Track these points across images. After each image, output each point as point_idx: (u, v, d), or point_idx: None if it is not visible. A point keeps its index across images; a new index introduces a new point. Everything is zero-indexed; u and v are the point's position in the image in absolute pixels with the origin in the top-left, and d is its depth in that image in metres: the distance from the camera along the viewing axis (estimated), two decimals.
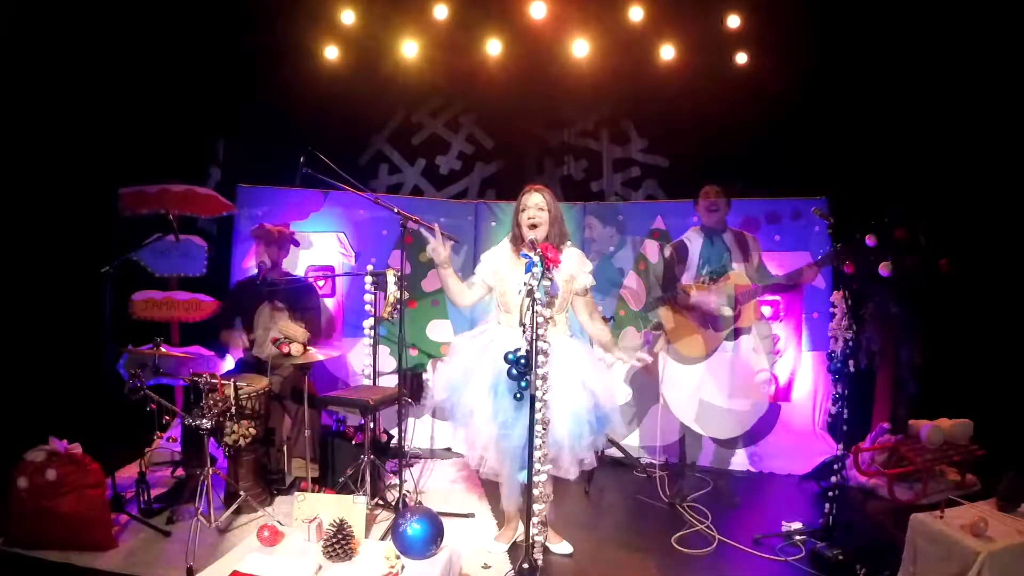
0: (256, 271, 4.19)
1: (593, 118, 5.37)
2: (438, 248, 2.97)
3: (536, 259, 2.45)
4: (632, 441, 4.67)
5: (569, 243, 3.09)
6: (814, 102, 4.69)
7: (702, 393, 3.68)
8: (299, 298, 4.13)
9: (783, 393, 4.69)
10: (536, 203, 2.97)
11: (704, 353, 3.72)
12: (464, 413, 2.94)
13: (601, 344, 3.20)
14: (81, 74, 4.17)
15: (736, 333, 3.69)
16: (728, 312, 3.58)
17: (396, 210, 3.30)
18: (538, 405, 2.47)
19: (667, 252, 3.89)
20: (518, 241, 3.02)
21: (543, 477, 2.58)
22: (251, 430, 3.37)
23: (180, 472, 3.77)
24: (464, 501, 3.83)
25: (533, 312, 2.42)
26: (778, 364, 4.70)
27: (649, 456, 4.60)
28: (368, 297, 4.12)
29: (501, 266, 3.04)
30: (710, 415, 3.72)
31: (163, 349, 3.45)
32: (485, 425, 2.87)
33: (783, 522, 3.36)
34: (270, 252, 4.12)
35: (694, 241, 3.89)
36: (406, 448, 3.68)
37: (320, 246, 4.86)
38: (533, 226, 2.93)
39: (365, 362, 4.25)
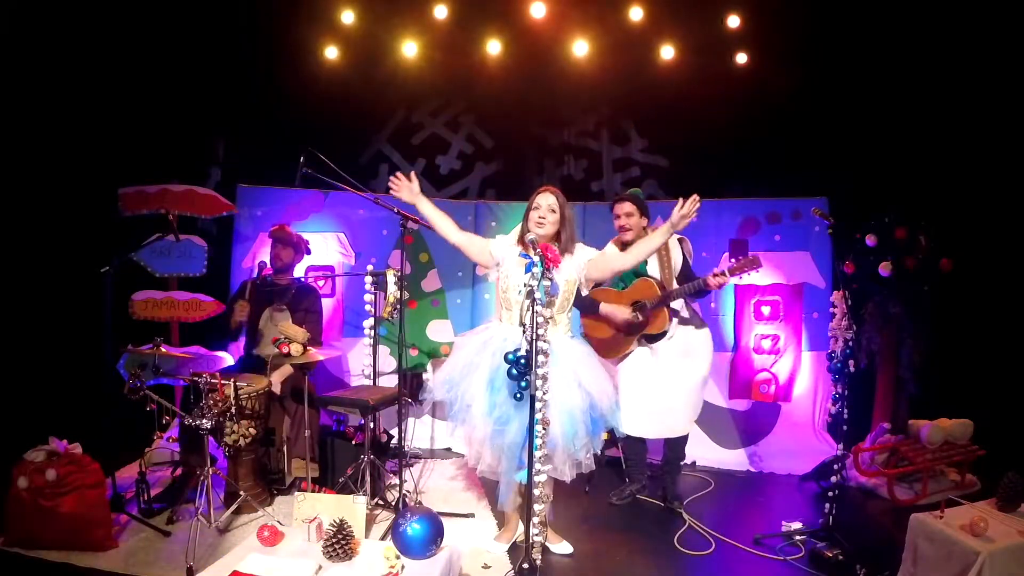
0: (257, 271, 4.18)
1: (593, 118, 5.37)
2: (403, 191, 2.98)
3: (536, 259, 2.45)
4: None
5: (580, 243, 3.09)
6: (814, 102, 4.70)
7: (636, 396, 3.59)
8: (301, 300, 4.13)
9: (783, 393, 4.70)
10: (548, 204, 2.96)
11: (616, 356, 3.67)
12: (461, 407, 2.93)
13: (645, 253, 3.02)
14: (81, 74, 4.17)
15: (651, 339, 3.62)
16: (639, 318, 3.53)
17: (396, 210, 3.30)
18: (538, 405, 2.47)
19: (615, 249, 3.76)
20: (523, 239, 3.01)
21: (543, 477, 2.58)
22: (251, 430, 3.38)
23: (180, 472, 3.77)
24: (464, 501, 3.83)
25: (533, 312, 2.42)
26: (778, 364, 4.71)
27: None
28: (368, 297, 4.12)
29: (508, 257, 3.03)
30: (650, 415, 3.62)
31: (163, 349, 3.45)
32: (481, 420, 2.86)
33: (783, 522, 3.36)
34: (285, 254, 4.13)
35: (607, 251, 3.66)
36: (406, 448, 3.68)
37: (320, 246, 4.86)
38: (543, 226, 2.93)
39: (365, 362, 4.25)
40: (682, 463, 3.90)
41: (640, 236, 3.57)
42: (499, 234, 4.72)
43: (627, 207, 3.59)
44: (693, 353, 3.67)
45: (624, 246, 3.61)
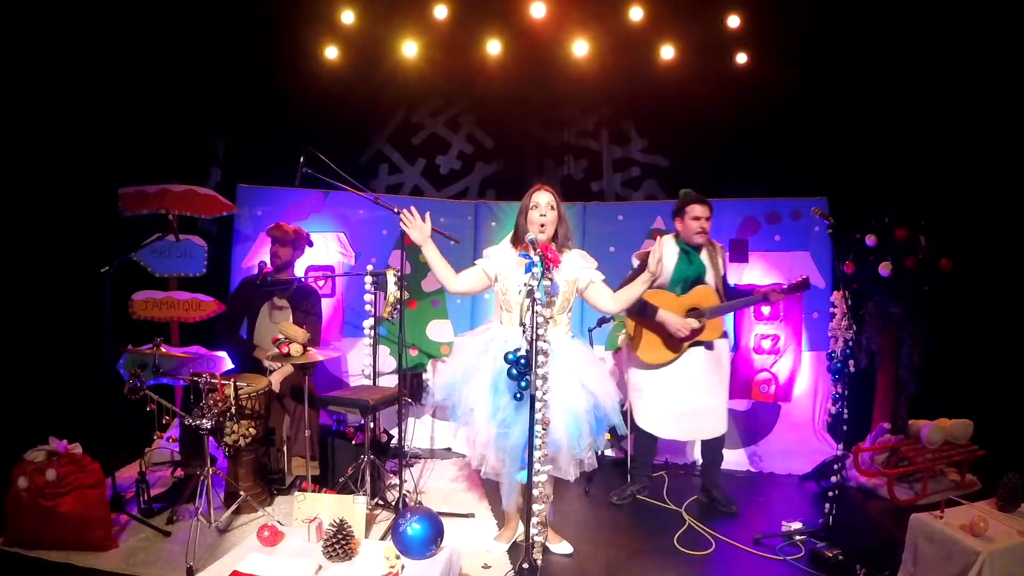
0: (257, 270, 4.19)
1: (593, 118, 5.37)
2: (412, 228, 2.92)
3: (536, 259, 2.45)
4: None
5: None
6: (814, 102, 4.70)
7: (671, 398, 3.58)
8: (302, 300, 4.11)
9: (783, 393, 4.70)
10: (547, 202, 2.96)
11: (665, 360, 3.62)
12: (464, 411, 2.93)
13: (629, 301, 3.01)
14: (82, 74, 4.17)
15: (697, 344, 3.60)
16: (695, 325, 3.53)
17: (396, 210, 3.30)
18: (538, 405, 2.47)
19: (636, 264, 3.64)
20: (520, 240, 3.01)
21: (543, 477, 2.58)
22: (251, 430, 3.38)
23: (180, 472, 3.77)
24: (464, 501, 3.83)
25: (533, 312, 2.42)
26: (778, 364, 4.71)
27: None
28: (368, 297, 4.12)
29: (504, 263, 3.03)
30: (682, 418, 3.61)
31: (163, 349, 3.45)
32: (485, 423, 2.86)
33: (783, 522, 3.36)
34: (284, 252, 4.08)
35: (668, 255, 3.57)
36: (406, 448, 3.68)
37: (320, 246, 4.86)
38: (543, 225, 2.92)
39: (365, 362, 4.25)
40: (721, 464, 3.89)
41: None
42: (499, 235, 4.78)
43: (708, 211, 3.56)
44: (722, 356, 3.73)
45: (685, 254, 3.58)
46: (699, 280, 3.62)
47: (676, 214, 3.66)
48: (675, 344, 3.60)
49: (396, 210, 3.25)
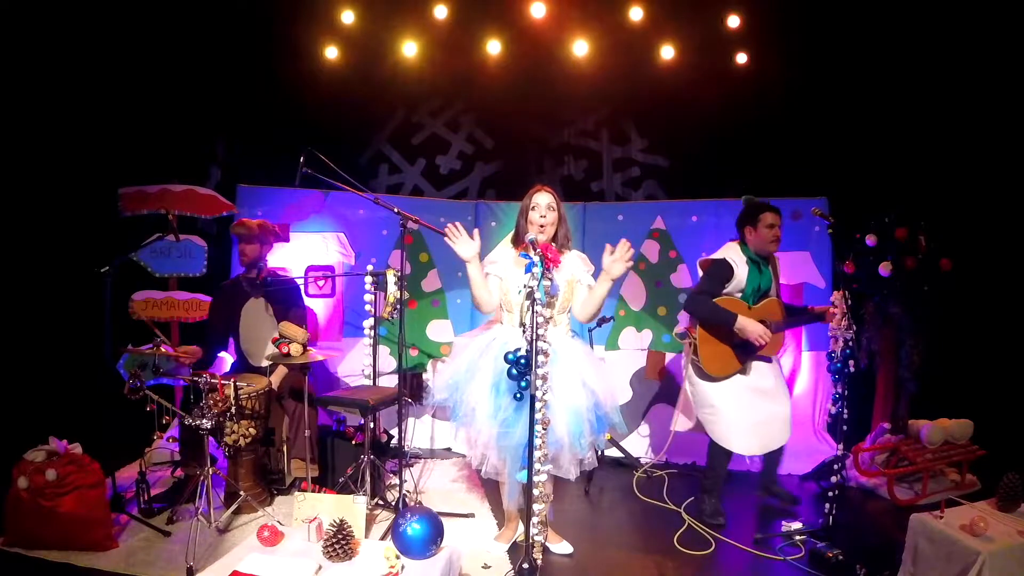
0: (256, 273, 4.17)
1: (593, 118, 5.37)
2: (459, 244, 2.85)
3: (536, 259, 2.45)
4: (632, 441, 4.67)
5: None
6: (814, 102, 4.70)
7: (743, 412, 3.47)
8: (281, 296, 3.97)
9: None
10: (547, 203, 2.96)
11: (730, 372, 3.50)
12: (466, 411, 2.93)
13: (590, 309, 2.95)
14: (82, 75, 4.17)
15: (758, 358, 3.54)
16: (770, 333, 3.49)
17: (396, 210, 3.30)
18: (538, 405, 2.48)
19: (711, 267, 3.50)
20: (520, 240, 3.01)
21: (543, 477, 2.58)
22: (251, 430, 3.38)
23: (180, 472, 3.77)
24: (464, 501, 3.83)
25: (533, 312, 2.42)
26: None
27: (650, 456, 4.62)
28: (368, 297, 4.12)
29: (504, 264, 3.03)
30: (757, 429, 3.50)
31: (163, 349, 3.45)
32: (486, 424, 2.86)
33: (783, 522, 3.36)
34: (250, 249, 3.89)
35: (739, 265, 3.45)
36: (406, 448, 3.68)
37: (320, 246, 4.86)
38: (543, 227, 2.92)
39: (365, 362, 4.25)
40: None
41: None
42: (499, 235, 4.78)
43: (779, 218, 3.46)
44: (780, 363, 3.69)
45: (754, 264, 3.45)
46: (767, 292, 3.54)
47: (746, 222, 3.50)
48: (744, 354, 3.47)
49: (396, 210, 3.25)
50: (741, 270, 3.44)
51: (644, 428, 4.76)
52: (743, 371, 3.51)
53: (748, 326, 3.32)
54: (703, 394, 3.56)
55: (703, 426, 3.65)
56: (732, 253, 3.48)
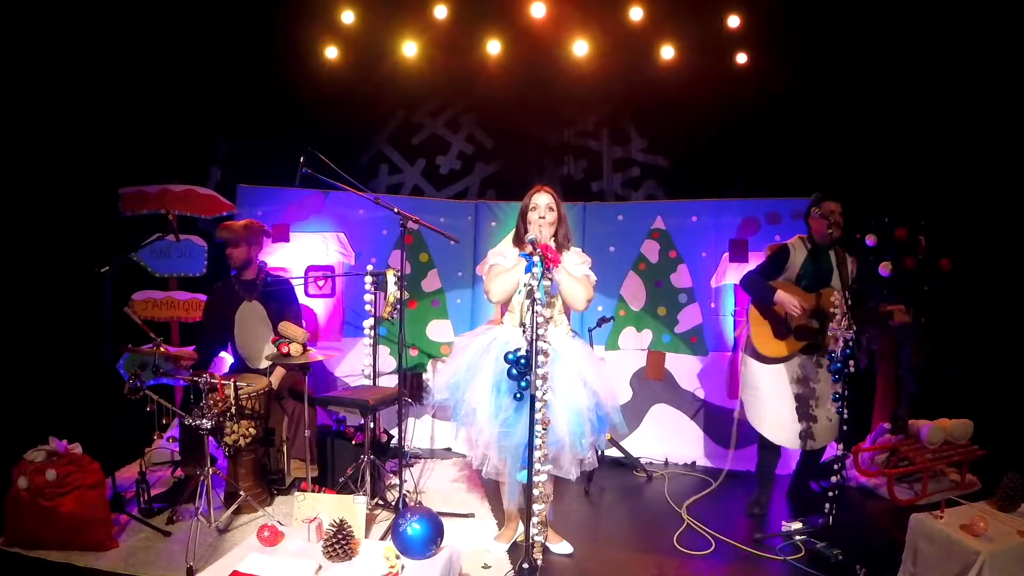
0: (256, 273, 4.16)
1: (593, 118, 5.37)
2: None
3: (536, 259, 2.45)
4: (632, 441, 4.67)
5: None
6: (814, 102, 4.70)
7: (786, 402, 3.54)
8: (274, 296, 3.95)
9: None
10: (547, 203, 2.96)
11: (781, 354, 3.57)
12: (466, 411, 2.93)
13: (567, 295, 2.95)
14: (82, 75, 4.17)
15: (816, 349, 3.55)
16: (814, 324, 3.48)
17: (396, 210, 3.30)
18: (538, 405, 2.48)
19: (772, 252, 3.70)
20: (520, 240, 3.01)
21: (543, 477, 2.58)
22: (251, 430, 3.38)
23: (180, 472, 3.77)
24: (464, 501, 3.83)
25: (533, 312, 2.42)
26: None
27: (651, 457, 4.61)
28: (368, 297, 4.12)
29: (509, 261, 3.03)
30: (794, 425, 3.54)
31: (163, 349, 3.45)
32: (487, 424, 2.86)
33: (783, 522, 3.36)
34: (238, 252, 3.84)
35: (797, 250, 3.61)
36: (406, 448, 3.68)
37: (320, 246, 4.86)
38: (543, 227, 2.92)
39: (365, 362, 4.25)
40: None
41: None
42: (499, 234, 4.79)
43: (840, 206, 3.52)
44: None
45: (812, 253, 3.57)
46: (826, 279, 3.57)
47: (809, 212, 3.60)
48: (787, 333, 3.56)
49: (396, 210, 3.25)
50: (797, 256, 3.59)
51: (644, 428, 4.76)
52: (793, 356, 3.59)
53: (784, 298, 3.46)
54: (751, 374, 3.70)
55: (743, 409, 3.75)
56: (795, 240, 3.68)
